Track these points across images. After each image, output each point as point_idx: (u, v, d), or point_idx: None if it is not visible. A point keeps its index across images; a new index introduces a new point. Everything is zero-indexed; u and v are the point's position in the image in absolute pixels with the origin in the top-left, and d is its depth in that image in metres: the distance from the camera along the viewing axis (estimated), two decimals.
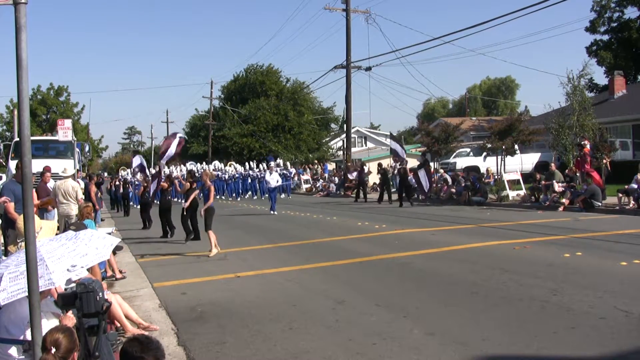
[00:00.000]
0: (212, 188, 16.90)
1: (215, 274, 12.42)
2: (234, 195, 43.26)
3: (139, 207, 26.52)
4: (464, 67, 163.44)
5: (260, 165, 44.12)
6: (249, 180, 44.01)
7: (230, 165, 44.29)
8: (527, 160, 36.60)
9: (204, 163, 47.95)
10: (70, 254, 6.03)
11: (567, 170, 25.57)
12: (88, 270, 7.87)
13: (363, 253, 14.19)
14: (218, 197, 41.51)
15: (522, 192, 27.51)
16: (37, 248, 5.34)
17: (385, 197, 31.25)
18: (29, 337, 5.32)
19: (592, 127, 29.30)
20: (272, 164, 31.08)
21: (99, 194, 24.82)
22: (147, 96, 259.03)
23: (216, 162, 44.88)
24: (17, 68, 4.87)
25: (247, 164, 44.84)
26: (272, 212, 26.78)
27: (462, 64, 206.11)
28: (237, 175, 43.74)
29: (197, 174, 28.82)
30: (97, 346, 5.21)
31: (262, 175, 41.77)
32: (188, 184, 18.36)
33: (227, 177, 43.77)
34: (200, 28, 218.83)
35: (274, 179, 27.79)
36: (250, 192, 44.29)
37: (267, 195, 40.50)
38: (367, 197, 33.97)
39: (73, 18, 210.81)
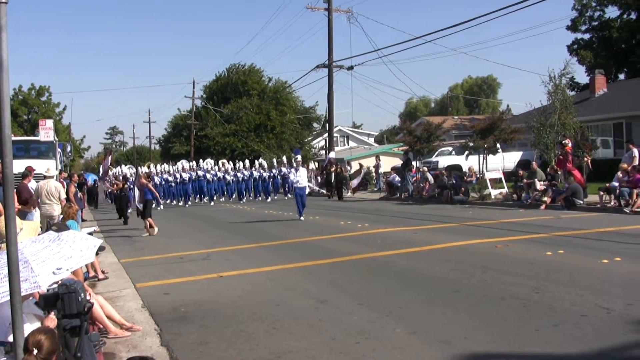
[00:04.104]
0: (150, 186, 21.78)
1: (198, 274, 12.39)
2: (234, 196, 39.65)
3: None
4: (446, 66, 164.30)
5: (253, 162, 42.01)
6: (252, 182, 39.94)
7: (223, 165, 42.05)
8: (509, 159, 36.72)
9: (193, 162, 46.25)
10: (55, 256, 5.99)
11: (548, 169, 25.67)
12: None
13: (346, 252, 14.21)
14: (221, 199, 40.19)
15: (504, 191, 27.63)
16: (20, 250, 5.30)
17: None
18: (11, 339, 5.29)
19: (574, 126, 29.43)
20: (299, 157, 27.25)
21: (79, 194, 24.76)
22: (129, 96, 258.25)
23: (209, 161, 42.76)
24: None
25: (246, 162, 41.82)
26: (300, 217, 23.12)
27: (444, 63, 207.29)
28: (243, 177, 39.39)
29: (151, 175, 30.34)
30: (79, 347, 5.18)
31: (269, 175, 39.74)
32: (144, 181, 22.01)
33: (229, 178, 39.46)
34: (182, 27, 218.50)
35: (303, 177, 24.07)
36: (253, 194, 40.26)
37: (269, 197, 39.03)
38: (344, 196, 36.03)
39: (54, 17, 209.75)
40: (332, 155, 37.05)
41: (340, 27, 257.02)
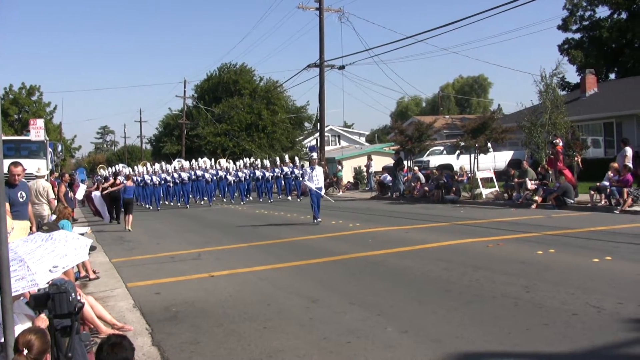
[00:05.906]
0: (122, 186, 23.98)
1: (189, 273, 12.38)
2: (235, 196, 37.84)
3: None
4: (437, 65, 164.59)
5: (246, 162, 40.10)
6: (253, 181, 38.47)
7: (218, 163, 40.63)
8: (500, 158, 36.76)
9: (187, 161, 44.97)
10: (50, 254, 5.98)
11: (539, 168, 25.74)
12: None
13: (337, 252, 14.22)
14: (219, 198, 38.74)
15: (495, 190, 27.70)
16: (13, 249, 5.28)
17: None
18: (1, 339, 5.28)
19: (564, 125, 29.53)
20: (315, 155, 24.52)
21: (70, 194, 24.66)
22: (120, 95, 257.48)
23: (207, 160, 41.27)
24: None
25: (246, 161, 40.10)
26: (316, 220, 21.42)
27: (435, 62, 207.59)
28: (245, 176, 37.76)
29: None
30: (69, 347, 5.17)
31: (273, 175, 38.46)
32: (112, 180, 25.06)
33: (231, 178, 37.74)
34: (173, 27, 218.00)
35: (320, 177, 22.33)
36: (255, 194, 38.92)
37: (270, 197, 37.66)
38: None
39: (45, 17, 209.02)
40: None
41: (332, 26, 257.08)
